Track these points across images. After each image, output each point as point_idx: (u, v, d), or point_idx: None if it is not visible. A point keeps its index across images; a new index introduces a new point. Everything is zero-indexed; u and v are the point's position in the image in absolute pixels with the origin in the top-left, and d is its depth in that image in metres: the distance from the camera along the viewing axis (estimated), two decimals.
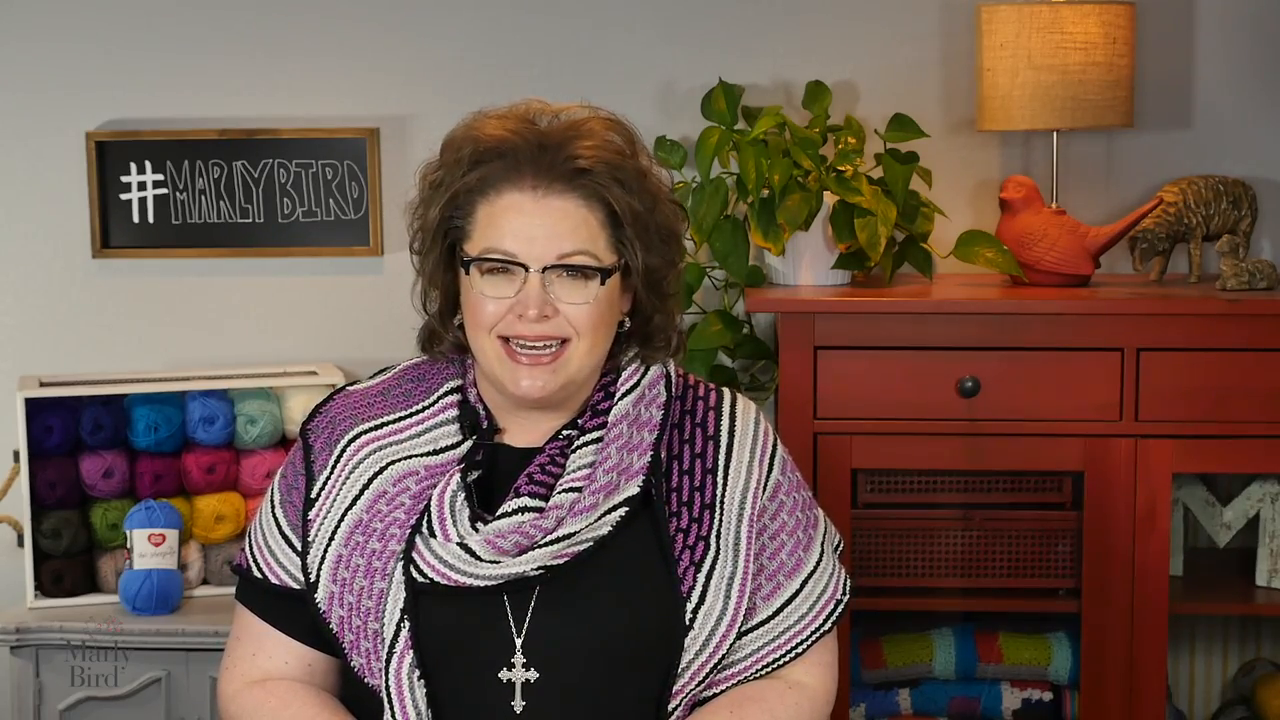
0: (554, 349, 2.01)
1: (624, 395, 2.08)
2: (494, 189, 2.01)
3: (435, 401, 2.10)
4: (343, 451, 2.08)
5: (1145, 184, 3.27)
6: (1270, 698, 3.20)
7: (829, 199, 3.05)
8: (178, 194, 3.33)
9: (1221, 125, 3.27)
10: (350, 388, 2.16)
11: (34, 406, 3.08)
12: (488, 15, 3.32)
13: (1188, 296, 2.97)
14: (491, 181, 2.01)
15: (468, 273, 2.02)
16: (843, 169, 3.06)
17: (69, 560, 3.11)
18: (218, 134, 3.31)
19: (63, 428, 3.10)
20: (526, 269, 1.99)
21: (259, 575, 2.10)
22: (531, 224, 1.99)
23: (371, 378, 2.18)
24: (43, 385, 3.12)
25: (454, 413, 2.09)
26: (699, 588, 2.03)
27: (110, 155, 3.31)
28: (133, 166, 3.32)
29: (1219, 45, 3.26)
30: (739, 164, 3.06)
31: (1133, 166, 3.28)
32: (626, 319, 2.09)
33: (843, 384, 2.92)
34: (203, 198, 3.33)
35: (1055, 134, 3.12)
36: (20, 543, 3.11)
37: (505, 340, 2.01)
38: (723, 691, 2.07)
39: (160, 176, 3.32)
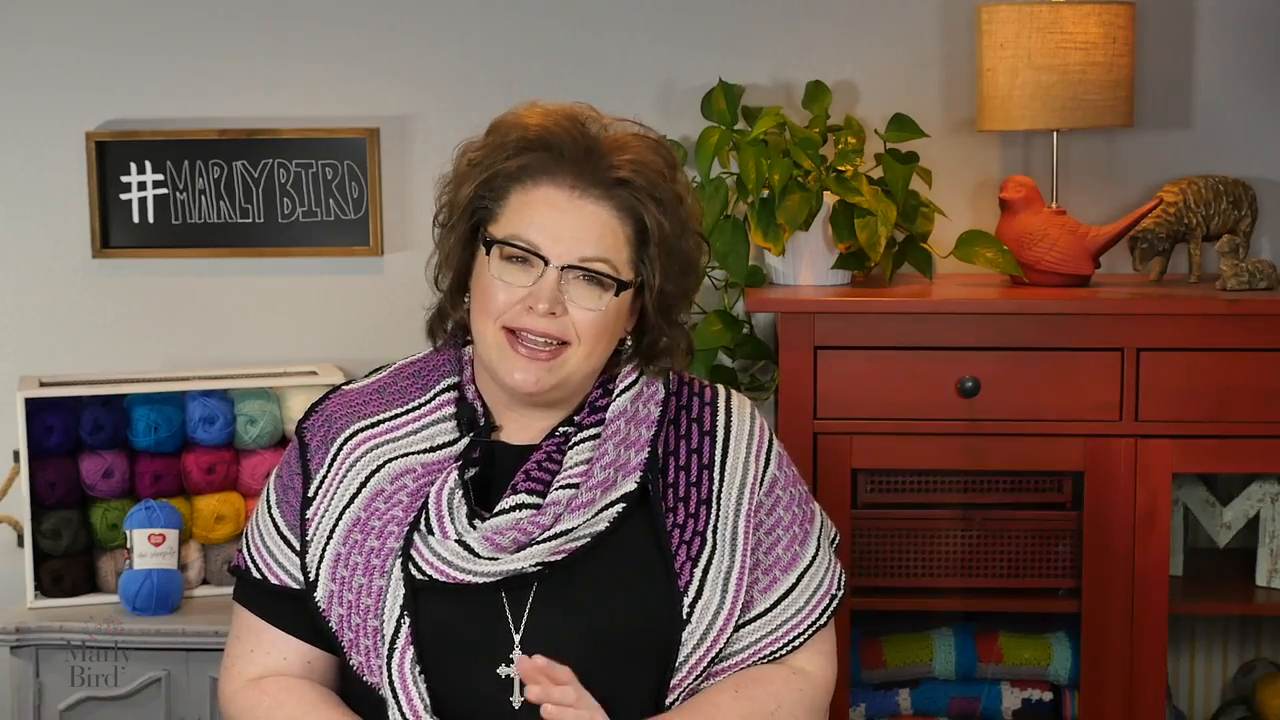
0: (553, 346, 2.01)
1: (622, 392, 2.08)
2: (531, 179, 2.02)
3: (432, 398, 2.10)
4: (339, 449, 2.08)
5: (1145, 184, 3.27)
6: (1270, 698, 3.20)
7: (829, 199, 3.05)
8: (178, 194, 3.33)
9: (1221, 125, 3.27)
10: (346, 386, 2.16)
11: (34, 406, 3.08)
12: (488, 16, 3.32)
13: (1188, 296, 2.97)
14: (531, 171, 2.01)
15: (488, 253, 2.02)
16: (843, 169, 3.06)
17: (69, 560, 3.11)
18: (218, 134, 3.31)
19: (63, 428, 3.10)
20: (546, 263, 1.99)
21: (257, 576, 2.10)
22: (561, 221, 2.00)
23: (367, 376, 2.18)
24: (43, 385, 3.12)
25: (451, 409, 2.09)
26: (696, 582, 2.03)
27: (110, 155, 3.31)
28: (133, 166, 3.32)
29: (1219, 45, 3.26)
30: (739, 164, 3.06)
31: (1133, 166, 3.28)
32: (629, 336, 2.10)
33: (843, 384, 2.92)
34: (203, 198, 3.33)
35: (1055, 134, 3.12)
36: (20, 543, 3.11)
37: (507, 330, 2.01)
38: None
39: (160, 176, 3.32)
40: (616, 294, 2.02)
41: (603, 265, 2.01)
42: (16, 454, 3.10)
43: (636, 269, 2.04)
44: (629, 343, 2.10)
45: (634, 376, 2.10)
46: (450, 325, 2.12)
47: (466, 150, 2.08)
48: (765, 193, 3.05)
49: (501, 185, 2.03)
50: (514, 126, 2.04)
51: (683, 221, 2.06)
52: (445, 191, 2.09)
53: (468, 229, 2.06)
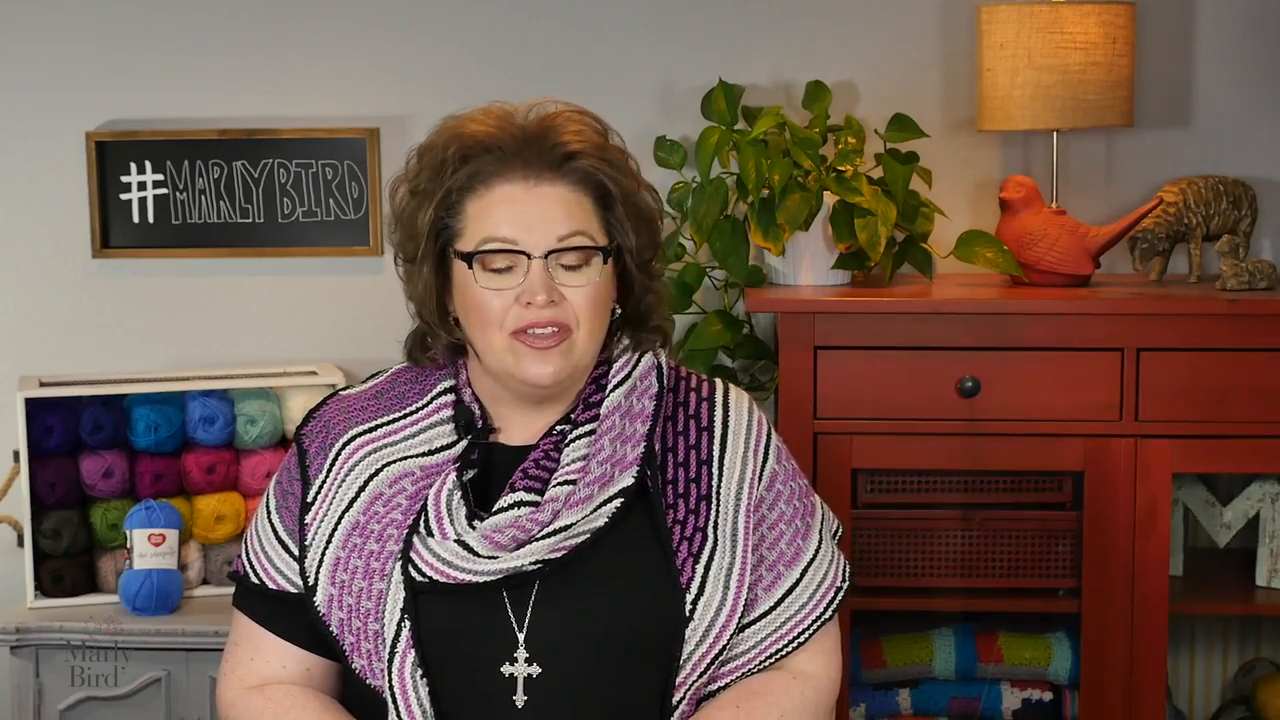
0: (556, 333, 2.01)
1: (616, 387, 2.09)
2: (484, 184, 2.01)
3: (429, 402, 2.10)
4: (338, 455, 2.08)
5: (1145, 184, 3.27)
6: (1270, 698, 3.20)
7: (829, 199, 3.05)
8: (178, 194, 3.33)
9: (1221, 125, 3.27)
10: (344, 391, 2.16)
11: (34, 406, 3.08)
12: (488, 15, 3.32)
13: (1188, 296, 2.97)
14: (481, 177, 2.01)
15: (470, 267, 2.02)
16: (843, 169, 3.06)
17: (69, 560, 3.11)
18: (218, 134, 3.31)
19: (63, 428, 3.10)
20: (528, 256, 1.99)
21: (256, 581, 2.10)
22: (527, 212, 2.00)
23: (365, 381, 2.18)
24: (43, 385, 3.12)
25: (449, 413, 2.09)
26: (698, 579, 2.03)
27: (110, 155, 3.32)
28: (133, 166, 3.32)
29: (1219, 45, 3.26)
30: (739, 164, 3.07)
31: (1133, 166, 3.28)
32: (617, 306, 2.10)
33: (843, 384, 2.92)
34: (203, 198, 3.33)
35: (1055, 134, 3.12)
36: (20, 543, 3.12)
37: (514, 333, 2.01)
38: (727, 685, 2.08)
39: (160, 176, 3.32)
40: (604, 262, 2.02)
41: (581, 238, 2.01)
42: (16, 454, 3.10)
43: (609, 233, 2.05)
44: (618, 312, 2.10)
45: (627, 370, 2.10)
46: (434, 350, 2.11)
47: (405, 180, 2.07)
48: (765, 193, 3.05)
49: (456, 201, 2.02)
50: (450, 142, 2.03)
51: (635, 176, 2.08)
52: (399, 230, 2.07)
53: (435, 256, 2.05)
